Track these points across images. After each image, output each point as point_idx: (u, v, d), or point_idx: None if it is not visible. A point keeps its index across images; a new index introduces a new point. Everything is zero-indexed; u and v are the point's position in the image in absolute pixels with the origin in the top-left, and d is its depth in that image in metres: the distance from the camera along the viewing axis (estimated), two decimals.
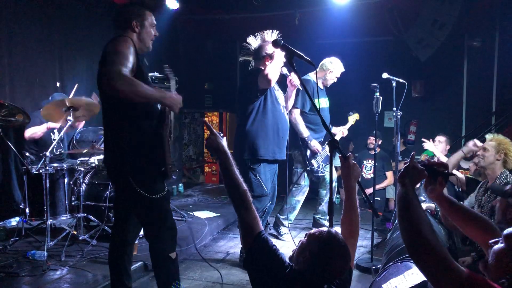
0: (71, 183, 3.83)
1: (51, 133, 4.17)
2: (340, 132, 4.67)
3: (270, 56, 3.37)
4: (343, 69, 4.40)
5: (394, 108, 3.91)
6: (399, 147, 4.24)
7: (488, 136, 3.21)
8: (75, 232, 3.64)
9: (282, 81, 3.70)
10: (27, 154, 3.84)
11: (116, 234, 2.56)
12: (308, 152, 4.33)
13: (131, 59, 2.16)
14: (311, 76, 4.34)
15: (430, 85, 7.01)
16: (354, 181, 1.82)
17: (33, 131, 3.98)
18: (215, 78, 7.87)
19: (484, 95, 6.74)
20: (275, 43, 2.10)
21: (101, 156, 4.28)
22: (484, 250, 1.55)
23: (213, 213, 5.01)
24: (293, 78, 3.58)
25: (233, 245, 4.18)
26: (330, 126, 4.56)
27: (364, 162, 5.80)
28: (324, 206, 4.59)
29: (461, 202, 3.27)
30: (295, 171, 4.49)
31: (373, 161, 4.91)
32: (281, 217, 4.40)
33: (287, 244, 4.12)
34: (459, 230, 1.67)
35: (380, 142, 5.63)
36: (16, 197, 4.21)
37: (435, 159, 3.55)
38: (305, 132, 4.28)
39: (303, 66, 2.20)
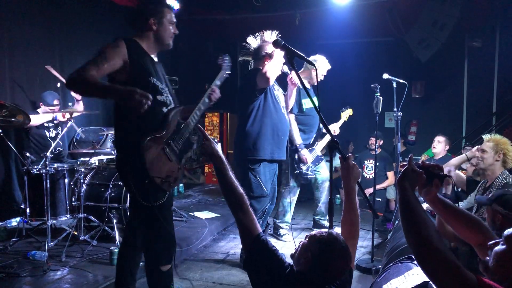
0: (71, 183, 3.83)
1: (47, 131, 4.19)
2: (331, 130, 4.64)
3: (270, 56, 3.35)
4: (329, 66, 4.27)
5: (395, 109, 3.91)
6: (400, 148, 4.23)
7: (485, 137, 3.16)
8: (76, 233, 3.64)
9: (283, 81, 3.69)
10: (28, 154, 3.84)
11: (127, 235, 2.53)
12: (296, 156, 4.28)
13: (110, 59, 2.10)
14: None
15: (430, 86, 7.02)
16: (353, 182, 1.82)
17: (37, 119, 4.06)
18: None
19: (484, 96, 6.74)
20: (276, 43, 2.09)
21: (101, 157, 4.30)
22: (477, 251, 1.55)
23: (214, 214, 5.00)
24: (294, 77, 3.57)
25: (233, 246, 4.18)
26: (320, 125, 4.51)
27: (366, 162, 5.79)
28: (322, 207, 4.57)
29: (461, 202, 3.30)
30: (284, 173, 4.44)
31: (374, 161, 4.91)
32: (277, 221, 4.40)
33: (287, 244, 4.11)
34: (455, 239, 1.66)
35: (381, 142, 5.63)
36: (16, 197, 4.22)
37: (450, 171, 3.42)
38: (298, 139, 4.23)
39: (296, 66, 2.19)
